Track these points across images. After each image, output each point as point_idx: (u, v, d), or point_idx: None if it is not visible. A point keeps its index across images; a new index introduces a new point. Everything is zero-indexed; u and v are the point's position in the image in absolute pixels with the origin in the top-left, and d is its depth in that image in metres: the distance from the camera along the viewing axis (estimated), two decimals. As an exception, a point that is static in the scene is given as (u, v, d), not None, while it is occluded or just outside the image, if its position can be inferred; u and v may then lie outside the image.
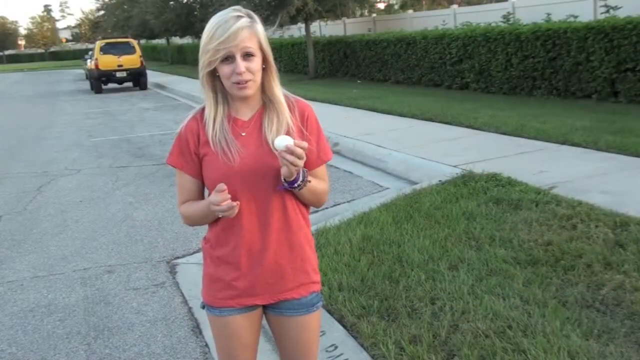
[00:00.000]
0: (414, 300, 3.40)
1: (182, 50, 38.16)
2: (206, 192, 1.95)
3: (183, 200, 1.96)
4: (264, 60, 1.84)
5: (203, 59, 1.80)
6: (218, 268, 1.94)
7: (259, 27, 1.82)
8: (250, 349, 2.02)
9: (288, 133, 1.85)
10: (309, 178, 1.85)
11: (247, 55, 1.78)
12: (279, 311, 1.97)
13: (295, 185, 1.81)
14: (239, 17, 1.78)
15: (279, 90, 1.89)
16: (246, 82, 1.79)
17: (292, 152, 1.71)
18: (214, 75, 1.84)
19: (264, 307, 1.99)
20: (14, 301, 4.24)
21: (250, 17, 1.81)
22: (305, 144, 1.74)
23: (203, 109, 1.91)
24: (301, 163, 1.75)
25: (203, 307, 2.02)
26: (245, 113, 1.89)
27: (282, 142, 1.72)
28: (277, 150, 1.73)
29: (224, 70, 1.79)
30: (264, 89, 1.88)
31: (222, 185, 1.76)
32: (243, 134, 1.87)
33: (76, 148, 10.55)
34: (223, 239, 1.91)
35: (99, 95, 21.57)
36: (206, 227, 2.00)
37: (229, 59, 1.78)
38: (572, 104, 10.29)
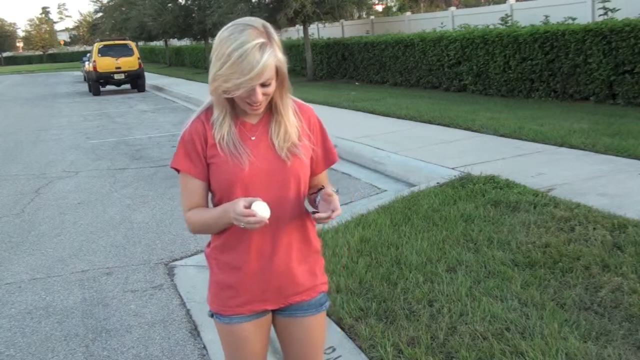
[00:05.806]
0: (412, 302, 3.40)
1: (180, 53, 38.18)
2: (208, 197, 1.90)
3: (191, 205, 1.86)
4: (278, 74, 1.75)
5: (217, 84, 1.70)
6: (226, 274, 1.89)
7: (277, 46, 1.71)
8: (260, 356, 2.00)
9: (298, 138, 1.85)
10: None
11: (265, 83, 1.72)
12: (288, 313, 1.95)
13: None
14: (263, 45, 1.66)
15: (288, 101, 1.84)
16: (260, 104, 1.75)
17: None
18: None
19: (273, 310, 1.96)
20: (11, 303, 4.24)
21: (268, 37, 1.69)
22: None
23: (207, 111, 1.85)
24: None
25: (211, 316, 1.97)
26: (253, 117, 1.85)
27: (259, 210, 1.68)
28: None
29: (241, 94, 1.72)
30: (274, 97, 1.81)
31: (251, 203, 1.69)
32: (253, 138, 1.83)
33: (74, 150, 10.54)
34: (231, 243, 1.86)
35: (97, 98, 21.58)
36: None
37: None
38: (570, 106, 10.31)
